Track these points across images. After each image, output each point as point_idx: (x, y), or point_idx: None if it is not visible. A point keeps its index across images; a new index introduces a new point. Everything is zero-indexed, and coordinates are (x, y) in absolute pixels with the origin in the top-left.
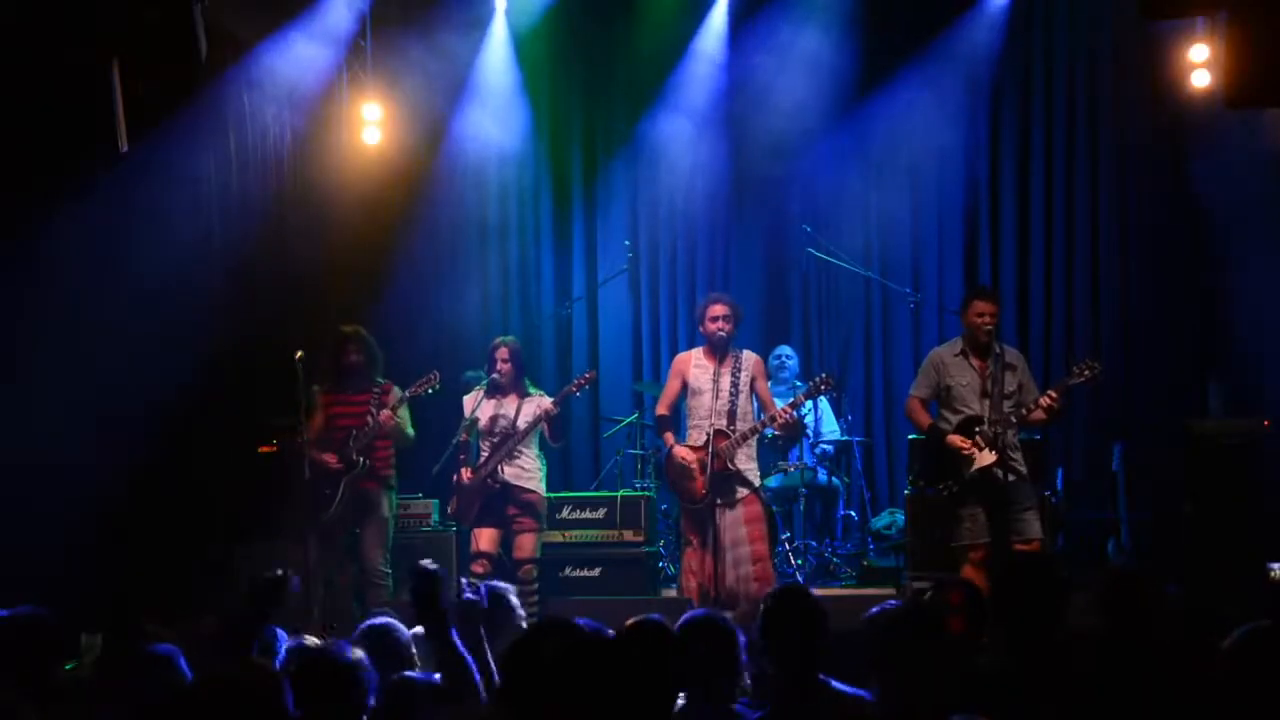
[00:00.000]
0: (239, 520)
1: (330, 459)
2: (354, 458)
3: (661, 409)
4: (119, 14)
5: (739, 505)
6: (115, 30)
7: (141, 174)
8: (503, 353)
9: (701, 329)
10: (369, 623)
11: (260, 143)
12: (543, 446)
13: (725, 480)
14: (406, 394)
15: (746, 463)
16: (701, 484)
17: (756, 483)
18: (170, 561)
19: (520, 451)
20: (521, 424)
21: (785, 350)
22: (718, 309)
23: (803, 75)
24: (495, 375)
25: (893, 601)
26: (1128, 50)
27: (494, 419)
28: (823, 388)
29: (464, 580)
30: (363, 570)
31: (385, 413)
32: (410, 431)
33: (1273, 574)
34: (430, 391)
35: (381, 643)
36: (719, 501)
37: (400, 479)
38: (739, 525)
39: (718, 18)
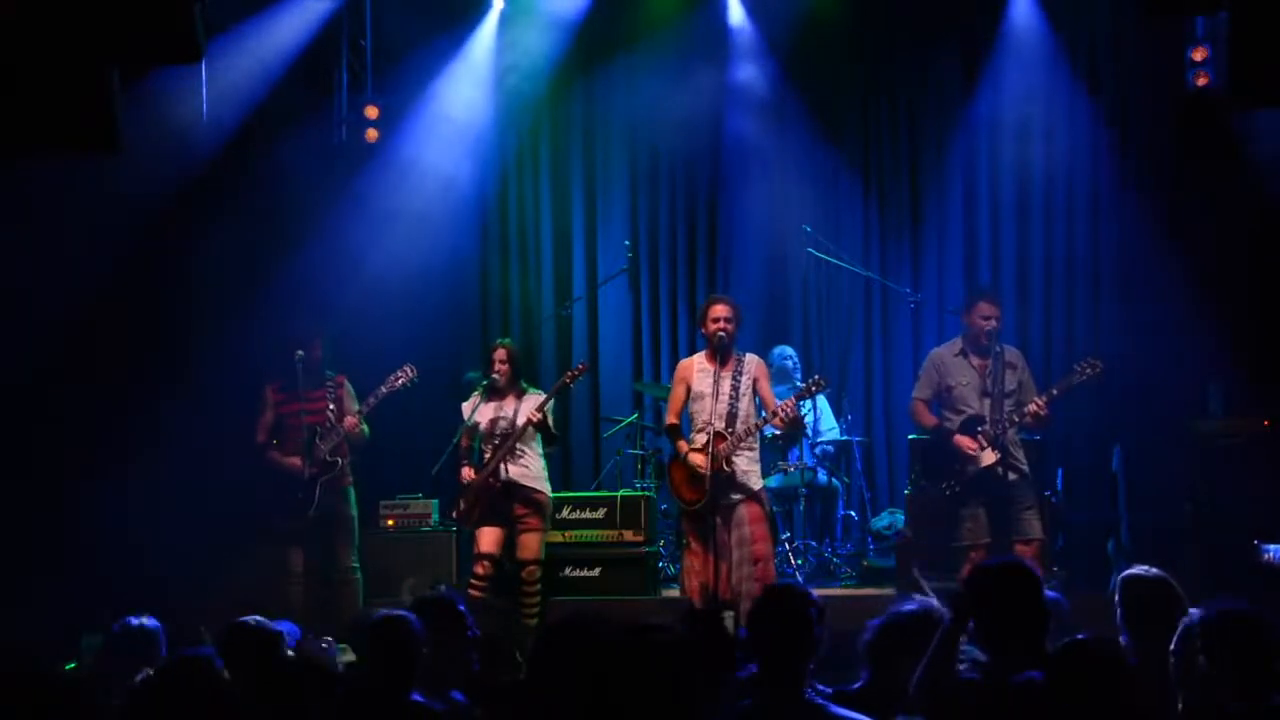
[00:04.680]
0: (235, 522)
1: (301, 461)
2: (327, 458)
3: (671, 418)
4: (119, 14)
5: (740, 506)
6: (115, 30)
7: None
8: (501, 354)
9: (703, 330)
10: (383, 613)
11: (254, 137)
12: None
13: (726, 482)
14: (383, 390)
15: (748, 464)
16: (702, 490)
17: (757, 485)
18: (166, 564)
19: (523, 450)
20: (521, 421)
21: (788, 350)
22: (719, 310)
23: (803, 76)
24: (494, 377)
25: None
26: (1128, 47)
27: (494, 420)
28: (814, 389)
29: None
30: (334, 570)
31: (350, 419)
32: (365, 429)
33: (1266, 557)
34: (408, 386)
35: (393, 635)
36: (720, 503)
37: (399, 479)
38: (741, 526)
39: (722, 18)
